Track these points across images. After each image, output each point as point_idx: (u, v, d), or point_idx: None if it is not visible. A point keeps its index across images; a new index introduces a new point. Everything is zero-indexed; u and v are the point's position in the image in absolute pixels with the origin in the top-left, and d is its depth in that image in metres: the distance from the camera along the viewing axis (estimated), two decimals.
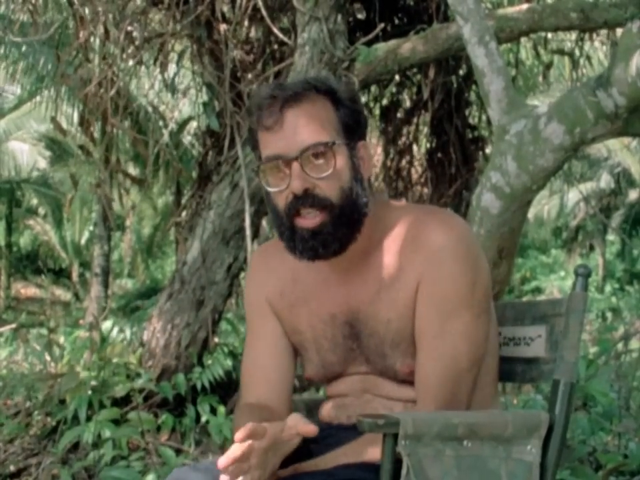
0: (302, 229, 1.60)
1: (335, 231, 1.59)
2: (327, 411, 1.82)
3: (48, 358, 4.95)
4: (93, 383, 4.14)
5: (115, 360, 4.29)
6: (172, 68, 5.01)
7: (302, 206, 1.58)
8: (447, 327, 1.63)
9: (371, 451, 1.59)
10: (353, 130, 1.65)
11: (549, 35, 5.27)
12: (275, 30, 4.33)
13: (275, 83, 1.69)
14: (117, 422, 4.02)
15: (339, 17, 4.19)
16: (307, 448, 1.64)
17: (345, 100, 1.65)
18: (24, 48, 10.72)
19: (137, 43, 4.56)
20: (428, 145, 5.40)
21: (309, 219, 1.59)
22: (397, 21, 5.18)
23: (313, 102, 1.61)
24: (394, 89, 5.54)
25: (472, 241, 1.67)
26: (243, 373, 1.82)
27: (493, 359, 1.78)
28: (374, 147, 6.04)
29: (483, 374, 1.72)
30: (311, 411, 2.04)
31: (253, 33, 4.77)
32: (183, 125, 5.64)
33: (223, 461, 1.41)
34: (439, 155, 5.29)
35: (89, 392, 4.09)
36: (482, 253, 1.69)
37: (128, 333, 4.82)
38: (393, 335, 1.67)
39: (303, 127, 1.58)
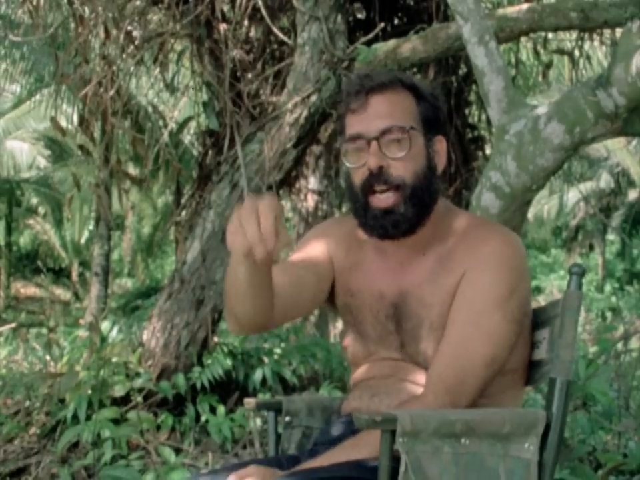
0: (375, 208, 1.70)
1: (406, 211, 1.69)
2: (351, 397, 1.84)
3: (47, 357, 4.95)
4: (93, 382, 4.14)
5: (114, 359, 4.29)
6: (172, 68, 5.01)
7: (376, 182, 1.69)
8: (474, 321, 1.67)
9: (368, 446, 1.61)
10: (431, 123, 1.75)
11: (549, 35, 5.27)
12: (275, 29, 4.34)
13: (365, 73, 1.82)
14: (116, 421, 4.02)
15: (339, 17, 4.19)
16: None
17: (426, 96, 1.76)
18: (25, 48, 10.73)
19: (136, 42, 4.56)
20: None
21: (383, 199, 1.69)
22: (396, 21, 5.18)
23: (396, 92, 1.73)
24: None
25: (522, 259, 1.74)
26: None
27: (523, 372, 1.81)
28: None
29: (511, 383, 1.77)
30: (311, 410, 2.04)
31: (252, 33, 4.77)
32: (182, 124, 5.64)
33: None
34: None
35: (89, 391, 4.09)
36: (528, 274, 1.76)
37: (127, 332, 4.82)
38: (432, 320, 1.72)
39: (385, 111, 1.71)
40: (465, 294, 1.69)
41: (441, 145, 1.77)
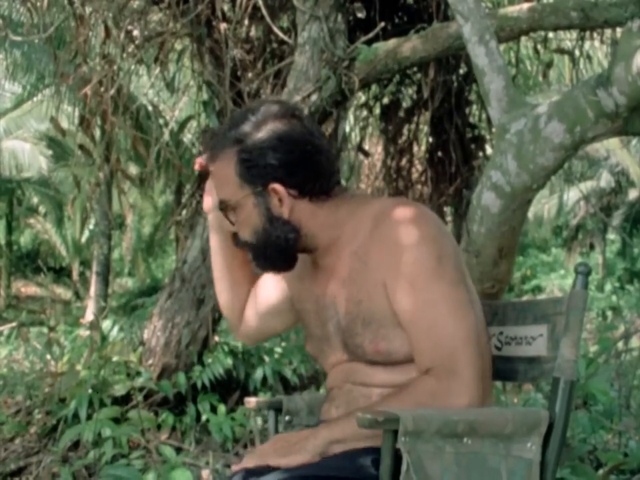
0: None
1: (265, 261, 1.84)
2: (323, 409, 1.88)
3: (48, 356, 4.95)
4: (93, 381, 4.14)
5: (115, 358, 4.29)
6: (172, 67, 5.01)
7: (236, 244, 1.89)
8: (422, 299, 1.67)
9: (342, 429, 1.65)
10: (258, 177, 1.76)
11: (550, 34, 5.26)
12: (275, 29, 4.33)
13: (214, 130, 1.98)
14: (117, 420, 4.02)
15: (339, 16, 4.19)
16: None
17: (250, 149, 1.76)
18: (26, 48, 10.72)
19: (137, 42, 4.56)
20: (428, 144, 5.40)
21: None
22: (397, 20, 5.18)
23: (223, 159, 1.79)
24: (394, 88, 5.54)
25: (429, 222, 1.74)
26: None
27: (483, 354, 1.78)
28: (374, 146, 6.05)
29: None
30: (311, 409, 2.05)
31: (253, 32, 4.77)
32: (183, 124, 5.64)
33: None
34: (439, 153, 5.29)
35: (89, 390, 4.10)
36: (444, 233, 1.76)
37: (128, 331, 4.83)
38: (364, 315, 1.74)
39: (216, 184, 1.85)
40: (399, 288, 1.69)
41: (275, 192, 1.76)
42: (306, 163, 1.75)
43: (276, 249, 1.80)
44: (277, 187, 1.75)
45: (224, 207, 1.81)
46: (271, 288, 2.00)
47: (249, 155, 1.75)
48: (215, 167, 1.81)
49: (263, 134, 1.75)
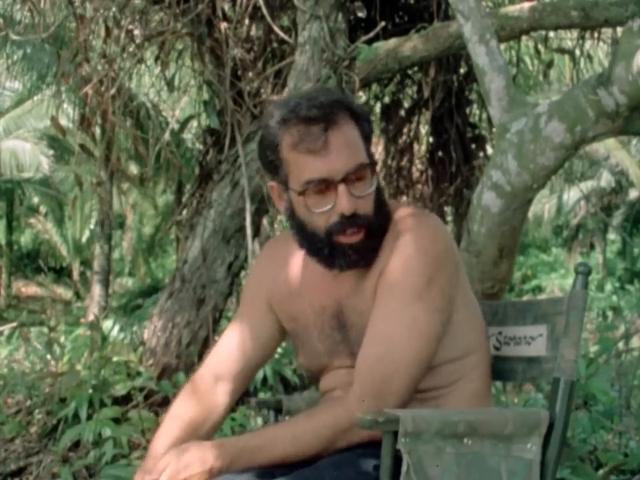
0: (344, 245, 1.65)
1: (373, 243, 1.67)
2: None
3: (49, 356, 4.95)
4: (94, 381, 4.14)
5: (115, 359, 4.29)
6: (172, 66, 5.00)
7: (349, 226, 1.63)
8: (393, 313, 1.63)
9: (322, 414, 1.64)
10: (370, 142, 1.71)
11: (550, 34, 5.26)
12: (276, 28, 4.33)
13: (300, 97, 1.69)
14: (117, 420, 4.02)
15: (340, 16, 4.18)
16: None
17: (360, 114, 1.69)
18: (28, 49, 10.72)
19: (137, 41, 4.56)
20: (429, 144, 5.40)
21: (352, 236, 1.65)
22: (397, 20, 5.18)
23: (345, 122, 1.64)
24: (395, 88, 5.54)
25: (443, 244, 1.69)
26: (217, 344, 1.93)
27: (482, 355, 1.78)
28: (375, 146, 6.05)
29: (468, 368, 1.73)
30: None
31: (253, 32, 4.77)
32: (184, 123, 5.64)
33: None
34: (440, 153, 5.29)
35: (90, 390, 4.09)
36: (449, 252, 1.70)
37: (128, 331, 4.82)
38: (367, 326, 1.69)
39: (344, 149, 1.62)
40: (381, 292, 1.66)
41: (377, 174, 1.73)
42: None
43: (383, 227, 1.68)
44: (373, 153, 1.73)
45: (352, 173, 1.63)
46: (242, 345, 1.87)
47: (363, 116, 1.69)
48: (341, 131, 1.63)
49: (367, 111, 1.75)
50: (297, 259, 1.81)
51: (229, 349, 1.87)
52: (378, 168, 1.75)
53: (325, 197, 1.63)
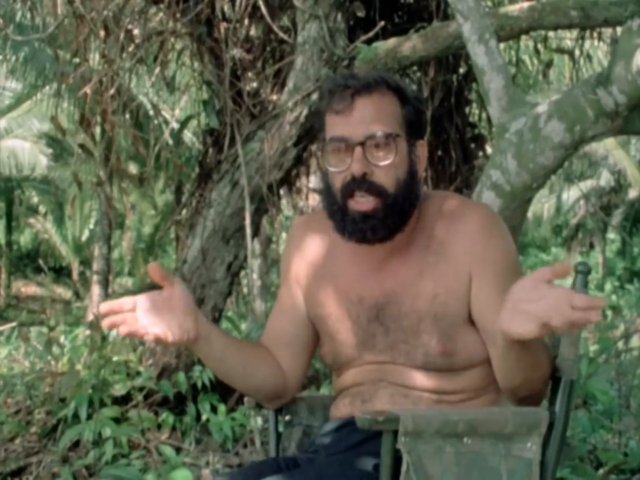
0: (354, 212, 1.67)
1: (386, 217, 1.66)
2: (341, 404, 1.81)
3: (48, 356, 4.95)
4: (94, 381, 4.14)
5: (115, 358, 4.29)
6: (172, 66, 5.00)
7: (357, 189, 1.66)
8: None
9: None
10: (414, 128, 1.74)
11: (550, 33, 5.26)
12: (275, 28, 4.33)
13: (350, 73, 1.81)
14: (117, 420, 4.02)
15: (339, 15, 4.19)
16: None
17: (411, 99, 1.73)
18: (27, 49, 10.72)
19: (136, 41, 4.56)
20: (428, 143, 5.39)
21: (363, 203, 1.66)
22: (397, 19, 5.18)
23: (382, 95, 1.70)
24: None
25: (501, 220, 1.79)
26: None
27: None
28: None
29: (492, 375, 1.71)
30: (312, 409, 2.03)
31: (253, 31, 4.77)
32: (183, 123, 5.64)
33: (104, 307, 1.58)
34: (439, 153, 5.29)
35: (90, 390, 4.09)
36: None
37: None
38: (436, 310, 1.68)
39: (371, 115, 1.68)
40: (488, 281, 1.67)
41: (422, 149, 1.75)
42: None
43: (410, 207, 1.70)
44: (425, 144, 1.76)
45: (373, 139, 1.66)
46: (289, 327, 1.85)
47: (414, 103, 1.73)
48: (371, 99, 1.68)
49: (417, 95, 1.78)
50: (329, 241, 1.80)
51: (270, 325, 1.89)
52: (421, 154, 1.76)
53: (343, 157, 1.68)
